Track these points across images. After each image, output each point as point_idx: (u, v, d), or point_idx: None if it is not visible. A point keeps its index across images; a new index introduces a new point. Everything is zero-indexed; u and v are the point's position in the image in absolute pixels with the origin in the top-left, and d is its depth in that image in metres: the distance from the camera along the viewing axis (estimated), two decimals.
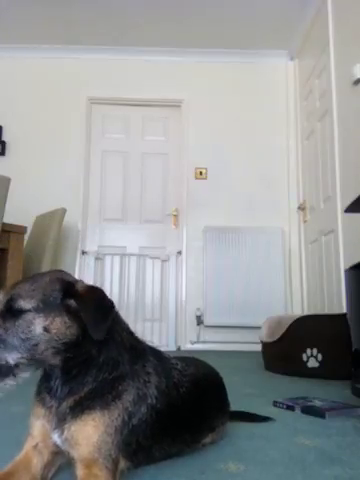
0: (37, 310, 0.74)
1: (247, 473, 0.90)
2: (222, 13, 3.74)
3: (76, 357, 0.79)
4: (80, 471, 0.75)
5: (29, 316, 0.74)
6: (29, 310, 0.74)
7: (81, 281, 0.83)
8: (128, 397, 0.81)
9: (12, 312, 0.75)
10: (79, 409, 0.78)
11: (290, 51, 4.23)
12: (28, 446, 0.84)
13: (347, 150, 2.96)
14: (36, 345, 0.74)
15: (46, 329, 0.74)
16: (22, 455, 0.83)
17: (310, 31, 3.76)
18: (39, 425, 0.83)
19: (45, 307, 0.75)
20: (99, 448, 0.76)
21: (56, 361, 0.79)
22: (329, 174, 3.26)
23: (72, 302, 0.77)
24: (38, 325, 0.74)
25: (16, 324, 0.74)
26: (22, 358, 0.75)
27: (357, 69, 2.74)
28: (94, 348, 0.80)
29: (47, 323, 0.75)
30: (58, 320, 0.75)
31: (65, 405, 0.79)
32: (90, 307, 0.77)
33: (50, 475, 0.85)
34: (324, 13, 3.34)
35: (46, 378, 0.84)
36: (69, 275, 0.85)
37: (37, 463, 0.82)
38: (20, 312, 0.75)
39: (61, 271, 0.85)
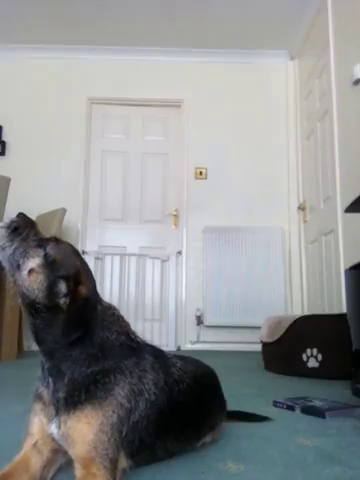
0: (44, 262, 0.79)
1: (247, 473, 0.90)
2: (222, 13, 3.74)
3: (49, 330, 0.79)
4: (78, 471, 0.75)
5: (36, 255, 0.80)
6: (42, 256, 0.80)
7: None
8: (120, 392, 0.80)
9: (32, 240, 0.82)
10: (70, 401, 0.78)
11: (290, 51, 4.23)
12: (27, 445, 0.83)
13: (347, 150, 2.96)
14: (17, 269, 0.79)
15: (30, 271, 0.78)
16: (21, 455, 0.82)
17: (310, 31, 3.76)
18: (37, 421, 0.83)
19: (51, 267, 0.79)
20: (95, 447, 0.75)
21: (26, 310, 0.81)
22: (329, 174, 3.26)
23: (64, 286, 0.79)
24: (31, 263, 0.79)
25: (24, 247, 0.81)
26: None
27: (357, 69, 2.74)
28: (65, 340, 0.80)
29: (34, 268, 0.79)
30: (41, 277, 0.78)
31: (58, 395, 0.79)
32: (73, 310, 0.78)
33: (50, 475, 0.84)
34: (324, 13, 3.34)
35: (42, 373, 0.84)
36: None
37: (36, 463, 0.82)
38: (36, 246, 0.81)
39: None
